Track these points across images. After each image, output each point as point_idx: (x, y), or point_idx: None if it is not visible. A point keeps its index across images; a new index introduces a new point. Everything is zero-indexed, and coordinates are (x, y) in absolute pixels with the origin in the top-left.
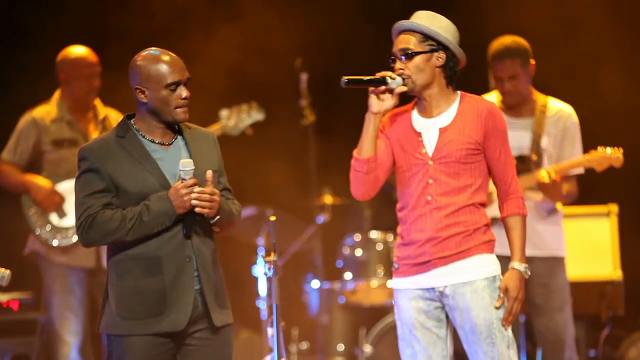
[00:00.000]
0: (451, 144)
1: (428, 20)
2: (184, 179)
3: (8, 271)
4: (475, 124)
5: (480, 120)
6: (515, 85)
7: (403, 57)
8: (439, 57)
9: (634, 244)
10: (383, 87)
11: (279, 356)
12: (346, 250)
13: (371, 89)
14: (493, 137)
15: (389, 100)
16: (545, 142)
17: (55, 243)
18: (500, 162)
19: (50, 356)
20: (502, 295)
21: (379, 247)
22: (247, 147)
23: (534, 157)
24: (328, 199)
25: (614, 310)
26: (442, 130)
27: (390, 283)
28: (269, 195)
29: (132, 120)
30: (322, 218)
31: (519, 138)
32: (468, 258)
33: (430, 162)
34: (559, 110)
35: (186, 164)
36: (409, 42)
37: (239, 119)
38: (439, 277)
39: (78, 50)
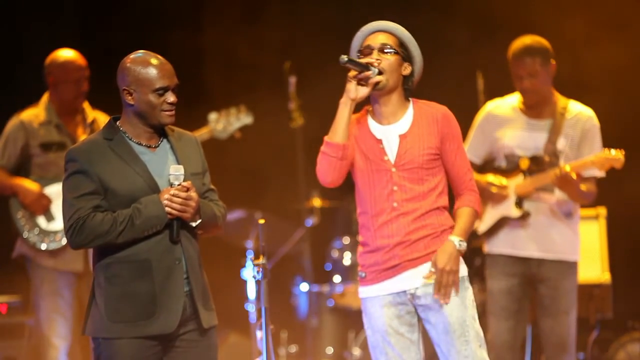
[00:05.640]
0: (412, 151)
1: (400, 27)
2: (173, 184)
3: None
4: (431, 129)
5: (437, 125)
6: (534, 83)
7: (380, 51)
8: (406, 67)
9: (622, 247)
10: (367, 73)
11: (268, 359)
12: (335, 253)
13: (354, 74)
14: (448, 140)
15: (364, 89)
16: (561, 143)
17: (43, 247)
18: (455, 165)
19: (38, 359)
20: (432, 269)
21: None
22: (235, 150)
23: (546, 158)
24: (317, 202)
25: (602, 313)
26: (402, 137)
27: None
28: (258, 198)
29: (118, 123)
30: (310, 221)
31: (535, 139)
32: None
33: (393, 169)
34: (578, 112)
35: (177, 169)
36: (389, 40)
37: (227, 122)
38: (410, 280)
39: (67, 54)
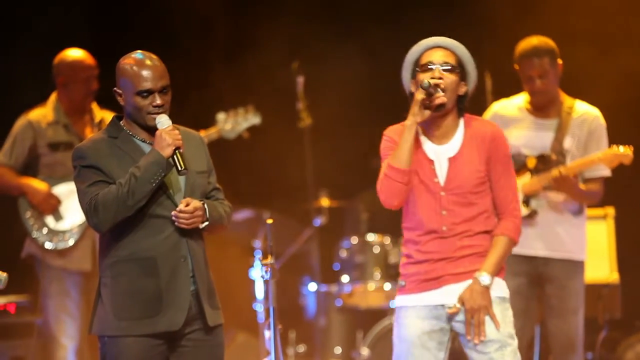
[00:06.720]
0: (461, 175)
1: (461, 45)
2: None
3: (5, 274)
4: (480, 151)
5: (484, 145)
6: (545, 83)
7: (444, 69)
8: (462, 87)
9: (630, 247)
10: (438, 95)
11: (276, 359)
12: (343, 253)
13: (423, 97)
14: (494, 160)
15: (427, 111)
16: (568, 142)
17: (49, 246)
18: (497, 187)
19: (46, 359)
20: (458, 305)
21: (376, 249)
22: (244, 150)
23: (554, 157)
24: (325, 202)
25: (610, 313)
26: (451, 160)
27: (387, 285)
28: (266, 198)
29: (121, 122)
30: (319, 221)
31: (542, 138)
32: None
33: (442, 193)
34: (584, 112)
35: (162, 117)
36: (450, 58)
37: (235, 122)
38: (450, 295)
39: (75, 53)
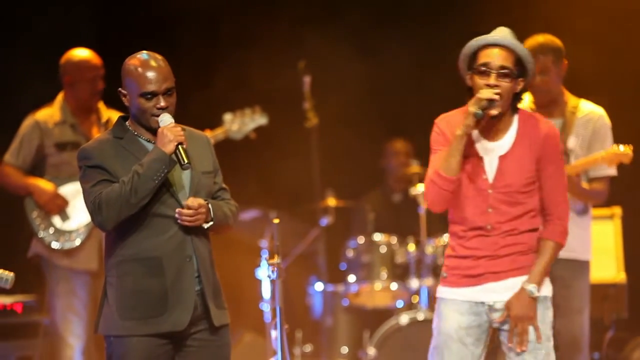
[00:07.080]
0: (511, 173)
1: (519, 43)
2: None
3: (11, 274)
4: (532, 151)
5: (537, 144)
6: (546, 81)
7: (498, 74)
8: (519, 84)
9: (637, 246)
10: (492, 111)
11: (283, 359)
12: (350, 253)
13: (473, 109)
14: (545, 161)
15: (480, 121)
16: (572, 142)
17: (56, 246)
18: (546, 189)
19: (53, 359)
20: (505, 313)
21: (383, 249)
22: (250, 150)
23: None
24: (331, 202)
25: (617, 313)
26: (502, 158)
27: (394, 285)
28: (273, 197)
29: (127, 122)
30: (325, 220)
31: None
32: (522, 276)
33: (490, 191)
34: (589, 112)
35: (164, 116)
36: (509, 61)
37: (242, 123)
38: (490, 293)
39: (82, 53)
